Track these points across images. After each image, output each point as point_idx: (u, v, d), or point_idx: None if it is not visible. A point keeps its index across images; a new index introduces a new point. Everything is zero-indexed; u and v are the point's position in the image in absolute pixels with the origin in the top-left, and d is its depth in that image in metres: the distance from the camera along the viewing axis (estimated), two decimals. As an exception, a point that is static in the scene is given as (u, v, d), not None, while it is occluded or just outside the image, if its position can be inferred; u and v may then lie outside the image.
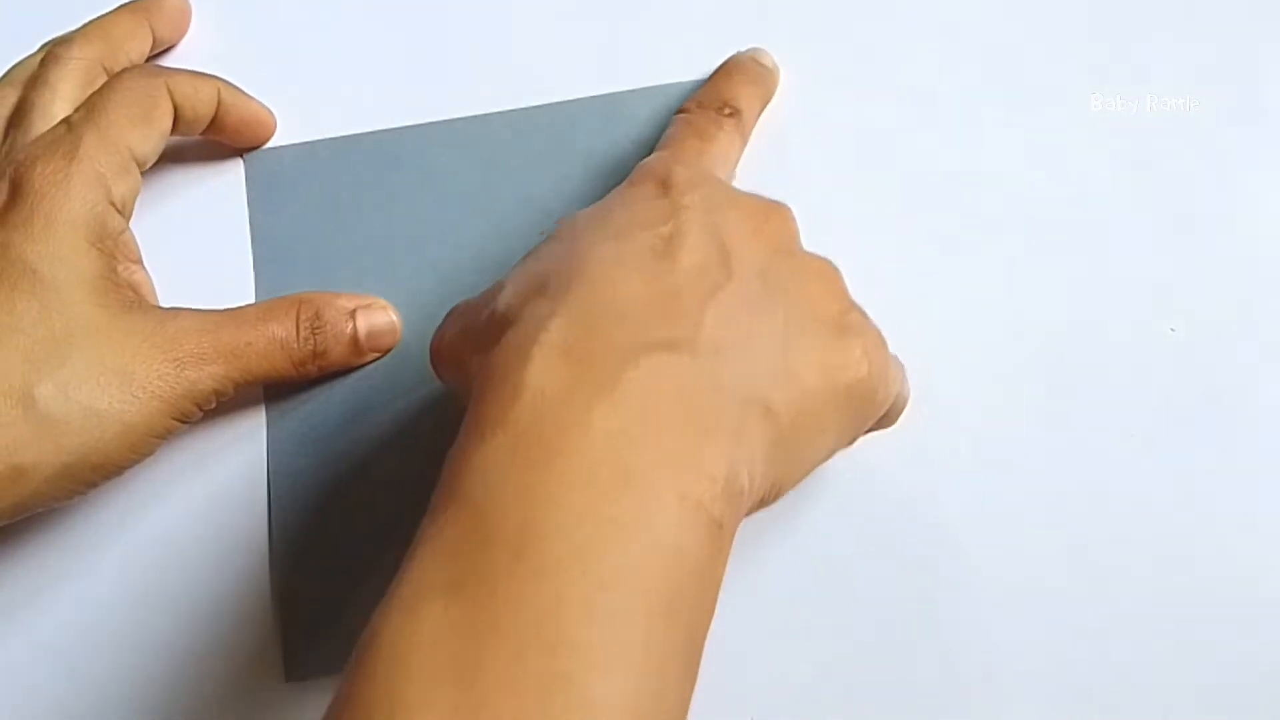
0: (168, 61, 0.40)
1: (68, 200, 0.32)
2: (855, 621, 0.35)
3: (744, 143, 0.37)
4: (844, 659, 0.35)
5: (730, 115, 0.36)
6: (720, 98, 0.37)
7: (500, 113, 0.39)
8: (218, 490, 0.36)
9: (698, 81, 0.39)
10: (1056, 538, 0.36)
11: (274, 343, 0.34)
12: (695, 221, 0.28)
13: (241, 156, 0.38)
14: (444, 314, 0.31)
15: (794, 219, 0.31)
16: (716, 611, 0.34)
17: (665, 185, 0.29)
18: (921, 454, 0.37)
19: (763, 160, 0.39)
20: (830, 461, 0.36)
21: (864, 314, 0.30)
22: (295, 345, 0.34)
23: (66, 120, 0.34)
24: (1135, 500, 0.36)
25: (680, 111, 0.37)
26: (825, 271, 0.30)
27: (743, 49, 0.39)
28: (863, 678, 0.35)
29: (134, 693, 0.35)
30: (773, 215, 0.30)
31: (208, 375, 0.32)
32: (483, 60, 0.40)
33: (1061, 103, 0.39)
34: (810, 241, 0.38)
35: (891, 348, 0.37)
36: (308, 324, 0.35)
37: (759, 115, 0.38)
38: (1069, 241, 0.38)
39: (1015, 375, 0.37)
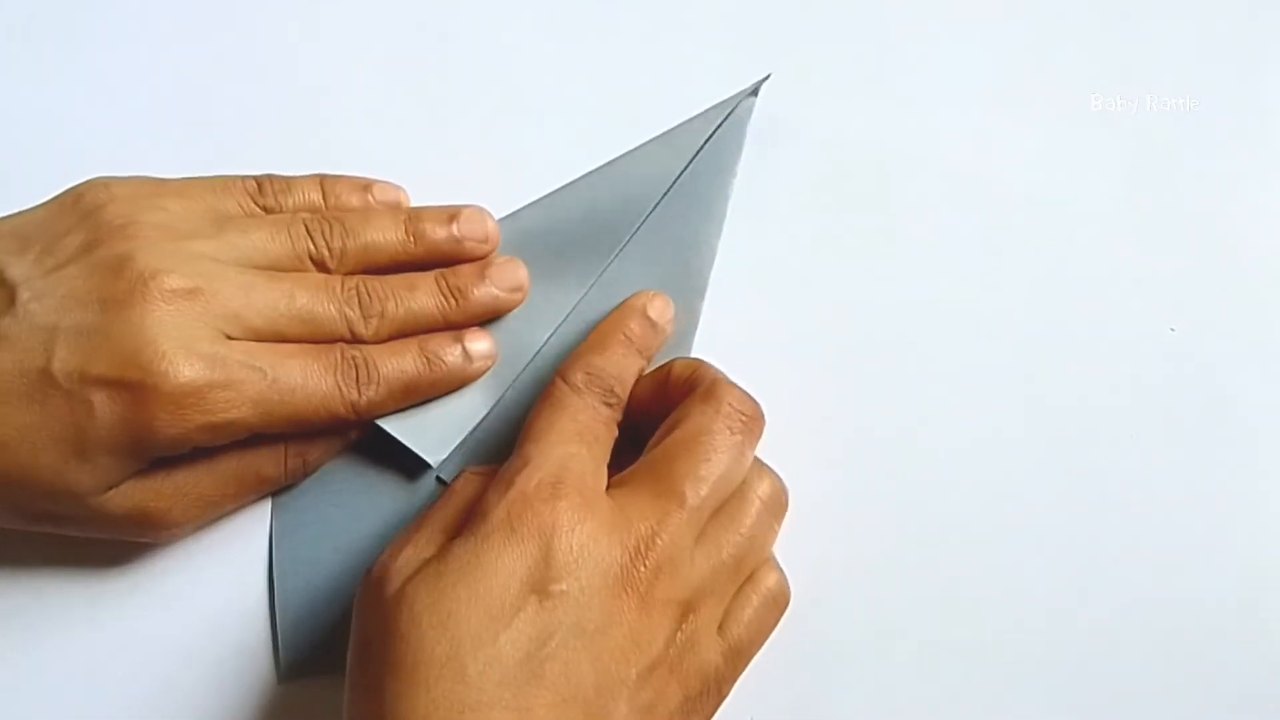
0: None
1: None
2: (855, 622, 0.35)
3: (617, 422, 0.34)
4: (843, 659, 0.35)
5: (610, 406, 0.33)
6: (605, 380, 0.33)
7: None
8: None
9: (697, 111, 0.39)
10: (1056, 537, 0.36)
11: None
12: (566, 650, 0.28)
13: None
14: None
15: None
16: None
17: (543, 580, 0.28)
18: (921, 454, 0.36)
19: (763, 160, 0.39)
20: (831, 464, 0.36)
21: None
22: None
23: None
24: (1135, 500, 0.36)
25: (562, 379, 0.33)
26: None
27: (640, 299, 0.36)
28: (863, 678, 0.35)
29: (127, 690, 0.34)
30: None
31: None
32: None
33: (1061, 103, 0.39)
34: (808, 242, 0.38)
35: (890, 349, 0.37)
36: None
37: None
38: (1069, 241, 0.38)
39: (1015, 375, 0.37)
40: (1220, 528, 0.36)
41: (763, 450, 0.36)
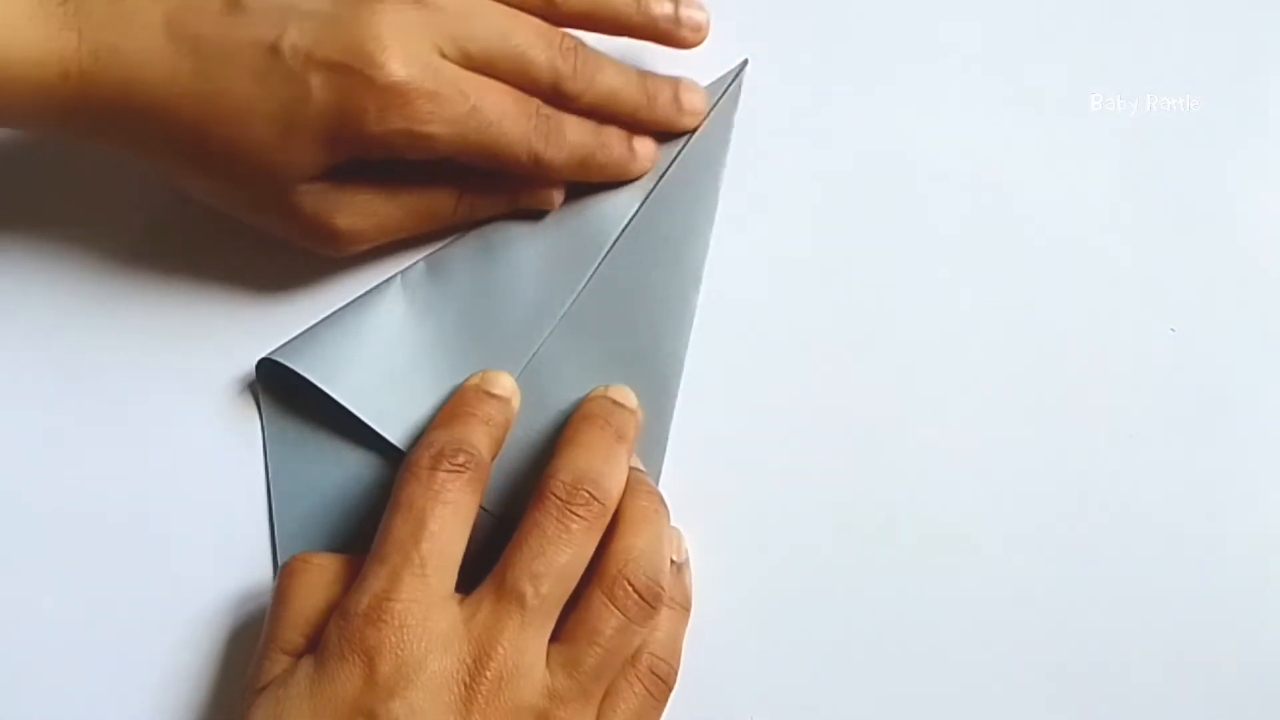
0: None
1: None
2: (855, 622, 0.35)
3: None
4: (844, 659, 0.35)
5: (461, 469, 0.31)
6: (450, 447, 0.32)
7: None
8: (217, 469, 0.37)
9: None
10: (1056, 538, 0.36)
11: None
12: None
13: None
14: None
15: None
16: (716, 611, 0.34)
17: (370, 701, 0.29)
18: (921, 454, 0.37)
19: (762, 160, 0.39)
20: (830, 461, 0.36)
21: None
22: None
23: None
24: (1135, 500, 0.36)
25: (404, 469, 0.32)
26: None
27: (471, 380, 0.36)
28: (862, 678, 0.35)
29: (136, 671, 0.35)
30: None
31: None
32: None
33: (1061, 102, 0.39)
34: (808, 241, 0.38)
35: (886, 348, 0.37)
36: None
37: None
38: (1069, 241, 0.38)
39: (1015, 375, 0.37)
40: (1220, 528, 0.36)
41: (764, 450, 0.36)
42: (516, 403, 0.36)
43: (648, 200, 0.38)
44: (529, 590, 0.30)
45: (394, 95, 0.32)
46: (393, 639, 0.29)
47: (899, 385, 0.37)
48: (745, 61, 0.39)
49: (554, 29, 0.35)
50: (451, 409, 0.35)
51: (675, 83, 0.38)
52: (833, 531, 0.36)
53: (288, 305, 0.37)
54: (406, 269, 0.37)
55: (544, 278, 0.37)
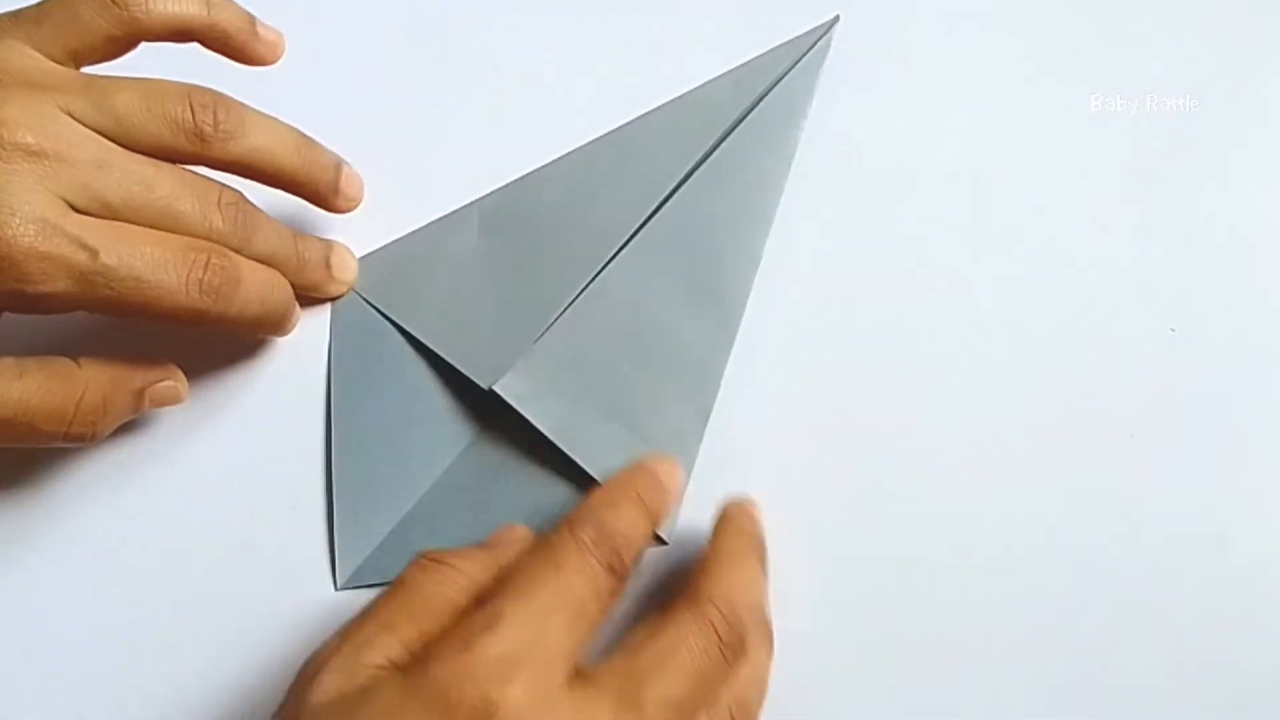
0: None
1: None
2: (856, 621, 0.35)
3: (618, 594, 0.29)
4: (844, 659, 0.35)
5: (614, 574, 0.29)
6: (614, 542, 0.29)
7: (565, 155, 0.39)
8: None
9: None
10: (1056, 538, 0.36)
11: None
12: None
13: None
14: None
15: None
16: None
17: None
18: (922, 454, 0.37)
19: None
20: (831, 461, 0.36)
21: None
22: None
23: None
24: (1135, 500, 0.36)
25: (568, 530, 0.29)
26: None
27: (650, 460, 0.33)
28: (863, 678, 0.35)
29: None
30: None
31: None
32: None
33: (1061, 103, 0.39)
34: (806, 241, 0.38)
35: (885, 348, 0.37)
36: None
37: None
38: (1068, 241, 0.38)
39: (1015, 375, 0.37)
40: (1220, 528, 0.36)
41: (763, 451, 0.37)
42: (679, 499, 0.34)
43: (726, 140, 0.38)
44: (656, 716, 0.27)
45: None
46: (514, 710, 0.25)
47: (895, 387, 0.37)
48: (836, 17, 0.40)
49: (210, 181, 0.32)
50: (615, 489, 0.31)
51: (328, 246, 0.36)
52: (833, 531, 0.36)
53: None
54: (483, 197, 0.38)
55: (614, 207, 0.38)
